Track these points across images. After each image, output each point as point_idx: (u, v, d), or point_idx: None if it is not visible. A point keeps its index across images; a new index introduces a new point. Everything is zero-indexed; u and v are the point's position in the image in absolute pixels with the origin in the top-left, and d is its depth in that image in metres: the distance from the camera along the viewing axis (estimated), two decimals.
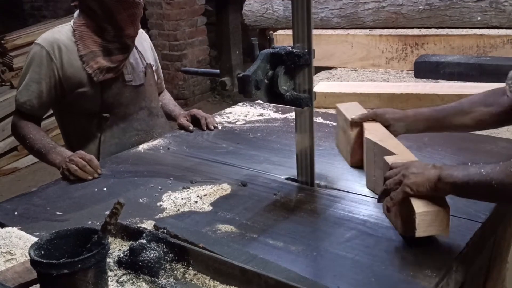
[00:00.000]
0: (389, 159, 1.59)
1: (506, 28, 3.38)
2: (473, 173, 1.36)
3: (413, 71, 3.27)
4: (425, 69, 3.18)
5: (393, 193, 1.45)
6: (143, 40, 2.49)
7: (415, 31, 3.62)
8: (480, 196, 1.44)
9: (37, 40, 2.27)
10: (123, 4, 2.17)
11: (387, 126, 1.87)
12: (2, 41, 5.34)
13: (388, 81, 3.29)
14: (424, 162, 1.49)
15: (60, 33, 2.27)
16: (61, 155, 2.09)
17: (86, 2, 2.22)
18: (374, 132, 1.81)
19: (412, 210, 1.39)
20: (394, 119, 1.88)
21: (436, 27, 3.63)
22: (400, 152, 1.64)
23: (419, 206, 1.39)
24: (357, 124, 1.89)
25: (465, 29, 3.51)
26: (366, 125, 1.86)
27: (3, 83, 5.38)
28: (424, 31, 3.59)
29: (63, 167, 2.00)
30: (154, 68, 2.55)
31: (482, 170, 1.35)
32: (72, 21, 2.30)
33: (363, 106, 2.03)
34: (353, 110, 1.96)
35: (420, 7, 3.64)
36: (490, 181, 1.32)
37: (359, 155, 1.89)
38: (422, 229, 1.38)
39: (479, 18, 3.46)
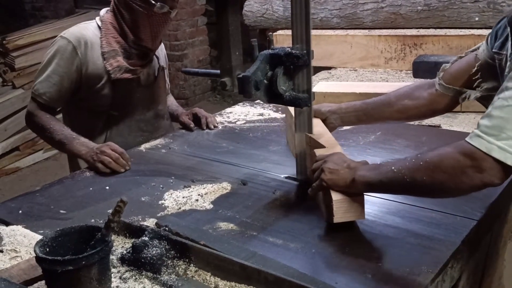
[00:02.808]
0: (318, 152, 1.67)
1: None
2: (385, 171, 1.42)
3: (411, 71, 3.29)
4: (424, 69, 3.20)
5: (313, 184, 1.57)
6: (159, 48, 2.52)
7: (413, 32, 3.64)
8: (394, 191, 1.52)
9: (64, 34, 2.27)
10: (151, 19, 2.22)
11: (324, 120, 1.95)
12: (4, 42, 5.34)
13: (387, 81, 3.31)
14: (342, 158, 1.57)
15: (87, 30, 2.29)
16: (86, 146, 2.11)
17: (118, 5, 2.26)
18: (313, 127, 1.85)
19: (330, 198, 1.49)
20: (329, 112, 1.97)
21: (435, 28, 3.65)
22: (329, 145, 1.72)
23: (336, 194, 1.49)
24: None
25: (463, 30, 3.53)
26: None
27: (5, 83, 5.39)
28: (422, 32, 3.61)
29: (94, 158, 2.03)
30: (166, 71, 2.58)
31: (393, 167, 1.40)
32: (97, 18, 2.33)
33: None
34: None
35: (419, 7, 3.66)
36: (402, 177, 1.37)
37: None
38: (339, 216, 1.49)
39: (477, 19, 3.48)
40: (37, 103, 2.27)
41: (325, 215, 1.57)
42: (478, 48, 1.77)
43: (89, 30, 2.30)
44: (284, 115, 2.60)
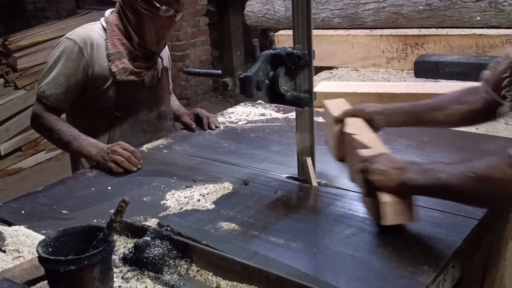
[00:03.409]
0: (362, 152, 1.65)
1: (505, 28, 3.40)
2: (434, 177, 1.42)
3: (413, 71, 3.29)
4: (425, 69, 3.20)
5: (364, 190, 1.56)
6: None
7: (415, 31, 3.64)
8: (440, 198, 1.51)
9: (70, 35, 2.27)
10: (156, 22, 2.21)
11: (369, 120, 1.91)
12: (6, 42, 5.35)
13: (388, 80, 3.31)
14: (390, 158, 1.55)
15: (92, 31, 2.29)
16: (96, 147, 2.11)
17: (123, 7, 2.26)
18: (354, 127, 1.85)
19: (379, 201, 1.47)
20: (374, 112, 1.93)
21: (436, 27, 3.65)
22: (374, 145, 1.69)
23: (386, 196, 1.47)
24: (341, 120, 1.92)
25: (464, 29, 3.53)
26: (349, 120, 1.90)
27: (7, 84, 5.40)
28: (424, 31, 3.61)
29: (106, 158, 2.03)
30: (169, 72, 2.58)
31: (442, 176, 1.40)
32: (102, 19, 2.32)
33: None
34: (338, 107, 2.00)
35: (420, 7, 3.66)
36: (452, 186, 1.38)
37: (343, 149, 1.93)
38: (391, 218, 1.46)
39: (478, 18, 3.48)
40: (43, 105, 2.26)
41: (373, 217, 1.55)
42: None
43: (94, 31, 2.29)
44: (285, 115, 2.60)
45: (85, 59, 2.23)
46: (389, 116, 1.93)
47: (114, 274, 1.33)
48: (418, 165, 1.52)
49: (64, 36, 2.29)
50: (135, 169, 2.02)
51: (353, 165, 1.77)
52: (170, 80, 2.67)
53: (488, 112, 1.77)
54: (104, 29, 2.29)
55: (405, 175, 1.47)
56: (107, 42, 2.27)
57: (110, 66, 2.25)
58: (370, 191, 1.53)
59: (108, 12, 2.34)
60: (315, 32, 1.67)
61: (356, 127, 1.84)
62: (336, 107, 2.01)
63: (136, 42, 2.27)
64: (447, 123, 1.91)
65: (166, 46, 2.60)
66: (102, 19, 2.33)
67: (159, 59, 2.46)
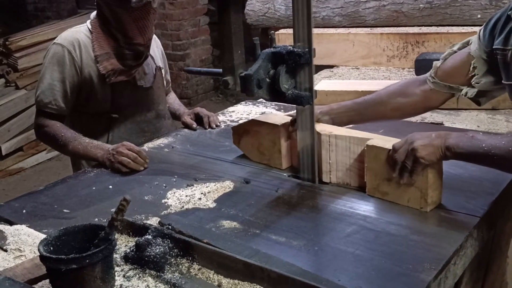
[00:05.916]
0: (374, 142, 1.67)
1: None
2: (477, 146, 1.48)
3: (414, 69, 3.29)
4: (426, 67, 3.15)
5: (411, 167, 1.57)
6: (154, 44, 2.51)
7: (415, 29, 3.63)
8: (481, 164, 1.57)
9: (57, 40, 2.28)
10: (133, 15, 2.20)
11: (316, 121, 1.89)
12: (7, 42, 5.36)
13: (389, 79, 3.30)
14: (422, 133, 1.59)
15: (78, 33, 2.30)
16: (101, 149, 2.11)
17: (101, 8, 2.26)
18: (322, 128, 1.84)
19: (426, 181, 1.56)
20: (320, 113, 1.94)
21: (437, 25, 3.65)
22: (368, 136, 1.73)
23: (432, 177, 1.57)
24: (289, 126, 1.93)
25: (465, 27, 3.52)
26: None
27: (8, 84, 5.40)
28: (424, 29, 3.61)
29: (112, 160, 2.03)
30: (163, 71, 2.58)
31: (484, 145, 1.46)
32: (88, 21, 2.33)
33: None
34: (273, 117, 2.00)
35: (421, 5, 3.66)
36: (492, 156, 1.45)
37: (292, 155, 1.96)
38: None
39: (479, 16, 3.48)
40: (44, 114, 2.26)
41: (409, 200, 1.61)
42: (469, 44, 1.77)
43: (80, 33, 2.30)
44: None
45: (76, 60, 2.25)
46: (335, 116, 1.95)
47: (116, 273, 1.33)
48: (454, 133, 1.56)
49: (52, 42, 2.31)
50: (141, 168, 2.02)
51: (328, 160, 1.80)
52: (169, 78, 2.67)
53: (432, 103, 1.87)
54: (90, 31, 2.30)
55: (448, 140, 1.52)
56: (93, 44, 2.27)
57: (99, 67, 2.26)
58: (416, 170, 1.55)
59: (93, 14, 2.35)
60: (315, 30, 1.67)
61: (326, 128, 1.84)
62: (271, 118, 1.99)
63: (122, 40, 2.27)
64: (394, 116, 1.95)
65: (159, 43, 2.60)
66: (88, 21, 2.34)
67: (150, 59, 2.45)
